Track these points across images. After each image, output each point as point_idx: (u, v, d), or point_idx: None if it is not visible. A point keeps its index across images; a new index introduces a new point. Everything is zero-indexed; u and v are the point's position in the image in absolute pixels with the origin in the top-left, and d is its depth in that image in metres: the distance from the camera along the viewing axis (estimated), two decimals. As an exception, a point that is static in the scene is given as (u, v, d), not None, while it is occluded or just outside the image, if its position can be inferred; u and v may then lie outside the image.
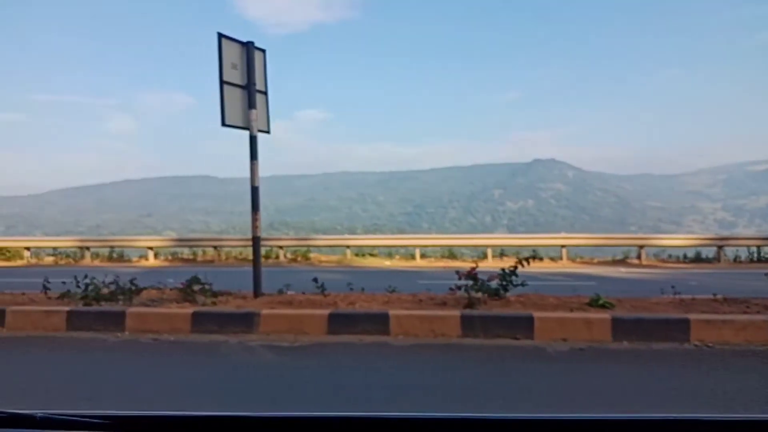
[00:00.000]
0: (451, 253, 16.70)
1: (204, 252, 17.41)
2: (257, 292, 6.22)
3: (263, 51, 6.57)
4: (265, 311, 5.48)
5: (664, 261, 15.79)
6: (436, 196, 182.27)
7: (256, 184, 6.16)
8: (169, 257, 17.69)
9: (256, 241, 6.32)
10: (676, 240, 16.31)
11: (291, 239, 17.83)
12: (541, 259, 16.21)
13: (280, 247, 16.77)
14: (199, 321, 5.40)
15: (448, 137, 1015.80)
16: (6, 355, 5.14)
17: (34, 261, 17.28)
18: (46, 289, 6.72)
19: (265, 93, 6.61)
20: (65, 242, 17.79)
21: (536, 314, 5.25)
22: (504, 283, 6.01)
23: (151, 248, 17.16)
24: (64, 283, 6.46)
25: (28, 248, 17.52)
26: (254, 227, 6.17)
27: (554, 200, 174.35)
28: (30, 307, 5.99)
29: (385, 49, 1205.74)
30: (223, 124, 6.10)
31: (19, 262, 17.12)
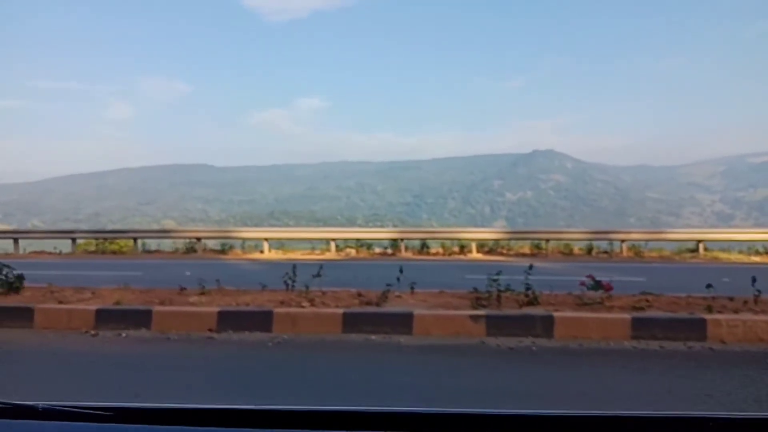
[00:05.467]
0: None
1: (539, 245, 15.94)
2: None
3: None
4: None
5: None
6: (436, 186, 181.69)
7: None
8: (484, 250, 16.10)
9: None
10: None
11: (639, 232, 16.48)
12: None
13: (622, 241, 15.45)
14: None
15: (450, 127, 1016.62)
16: None
17: (346, 254, 15.53)
18: None
19: None
20: (381, 233, 16.08)
21: None
22: None
23: (475, 241, 15.64)
24: None
25: (334, 239, 15.77)
26: None
27: (553, 191, 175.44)
28: None
29: (385, 36, 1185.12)
30: None
31: (328, 255, 15.37)
